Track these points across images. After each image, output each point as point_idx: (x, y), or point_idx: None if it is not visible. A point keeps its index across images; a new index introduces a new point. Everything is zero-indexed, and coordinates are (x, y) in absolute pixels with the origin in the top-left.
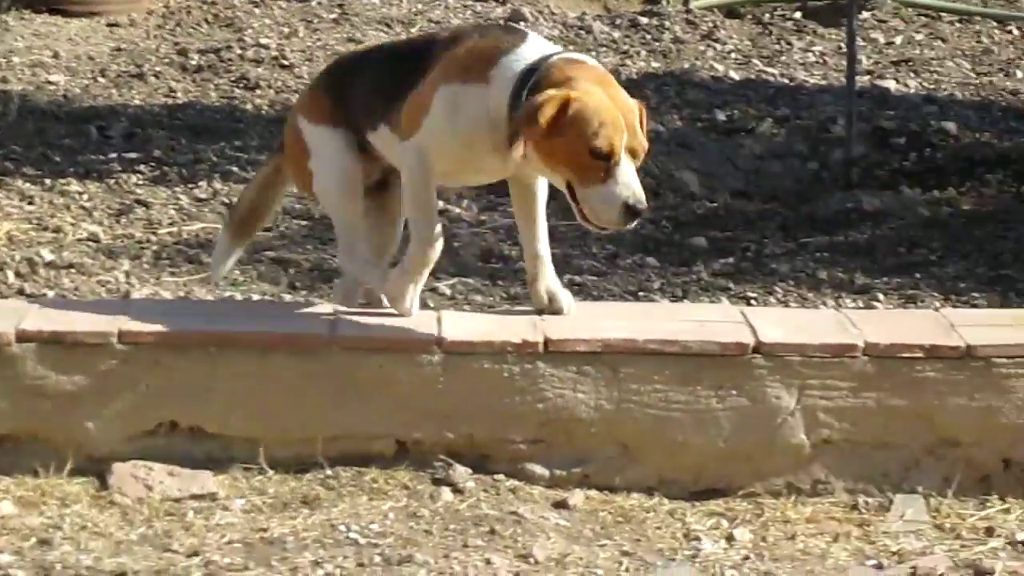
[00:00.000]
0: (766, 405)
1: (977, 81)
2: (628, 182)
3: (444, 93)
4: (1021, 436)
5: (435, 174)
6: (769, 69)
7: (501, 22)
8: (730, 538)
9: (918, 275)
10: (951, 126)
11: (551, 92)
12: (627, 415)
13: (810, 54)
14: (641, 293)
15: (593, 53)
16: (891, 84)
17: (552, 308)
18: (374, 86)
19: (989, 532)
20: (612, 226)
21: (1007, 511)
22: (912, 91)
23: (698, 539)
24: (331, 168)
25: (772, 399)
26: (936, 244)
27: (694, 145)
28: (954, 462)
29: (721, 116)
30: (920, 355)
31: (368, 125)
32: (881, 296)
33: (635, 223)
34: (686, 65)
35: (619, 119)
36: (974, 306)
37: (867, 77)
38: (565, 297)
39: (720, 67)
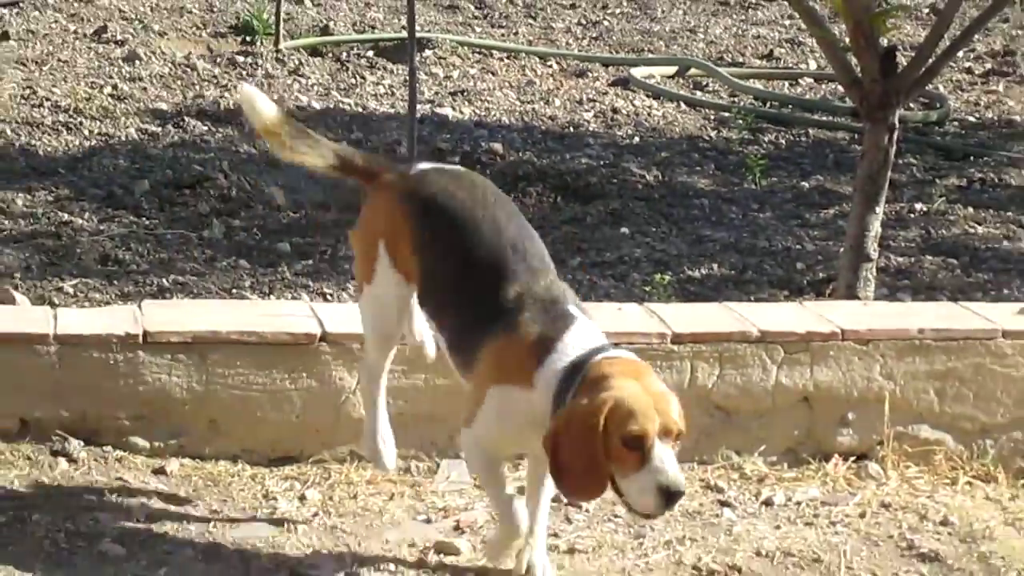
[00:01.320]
0: (332, 386)
1: (521, 108)
2: (661, 467)
3: (494, 393)
4: None
5: (498, 455)
6: (346, 99)
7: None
8: (303, 498)
9: None
10: (498, 146)
11: (584, 403)
12: (214, 395)
13: (381, 87)
14: (235, 291)
15: (196, 87)
16: (448, 111)
17: None
18: (452, 290)
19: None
20: (654, 513)
21: None
22: (466, 117)
23: (275, 499)
24: (386, 312)
25: (337, 380)
26: None
27: (281, 164)
28: None
29: None
30: None
31: (441, 329)
32: None
33: (675, 507)
34: (275, 97)
35: (650, 405)
36: None
37: (428, 106)
38: (543, 571)
39: (304, 98)
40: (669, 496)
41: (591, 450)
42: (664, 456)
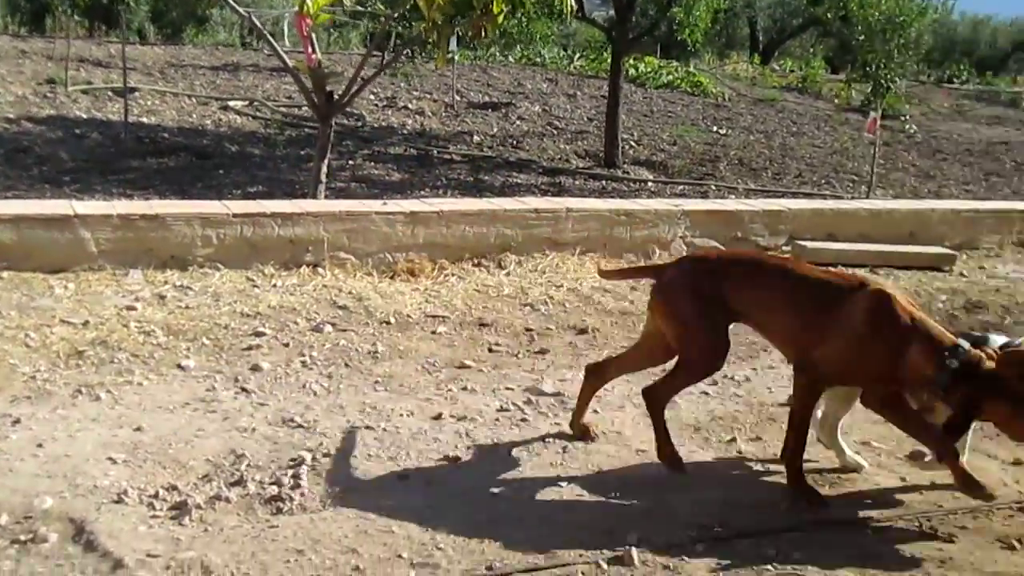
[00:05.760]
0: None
1: (178, 119)
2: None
3: None
4: None
5: None
6: (98, 114)
7: None
8: None
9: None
10: (166, 135)
11: None
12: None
13: (119, 106)
14: (40, 197)
15: (27, 107)
16: (145, 120)
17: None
18: None
19: None
20: None
21: None
22: (154, 123)
23: None
24: None
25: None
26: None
27: (65, 139)
28: None
29: None
30: None
31: None
32: None
33: None
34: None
35: None
36: None
37: (135, 116)
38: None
39: (80, 113)
40: None
41: None
42: None
